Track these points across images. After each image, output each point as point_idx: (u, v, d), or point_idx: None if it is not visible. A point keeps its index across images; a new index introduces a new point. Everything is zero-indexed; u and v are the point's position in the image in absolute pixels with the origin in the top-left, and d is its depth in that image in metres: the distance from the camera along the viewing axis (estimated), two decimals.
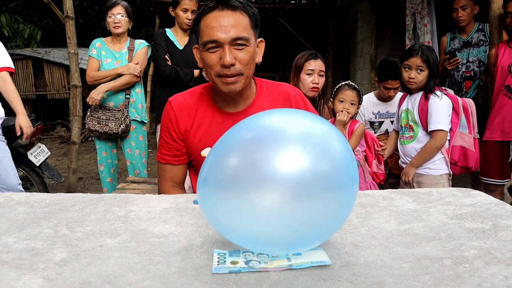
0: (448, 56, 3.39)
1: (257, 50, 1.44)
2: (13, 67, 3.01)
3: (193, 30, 1.42)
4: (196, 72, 3.26)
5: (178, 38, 3.35)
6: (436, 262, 0.73)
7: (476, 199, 1.10)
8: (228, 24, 1.30)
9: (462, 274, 0.68)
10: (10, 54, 3.09)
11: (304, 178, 0.66)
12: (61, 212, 1.02)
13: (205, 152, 1.51)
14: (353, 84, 2.70)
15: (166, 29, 3.39)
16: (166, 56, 3.24)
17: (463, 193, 1.15)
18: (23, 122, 3.01)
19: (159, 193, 1.57)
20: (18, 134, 3.04)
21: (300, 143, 0.68)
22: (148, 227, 0.92)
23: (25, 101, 10.56)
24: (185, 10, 3.24)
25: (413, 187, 2.59)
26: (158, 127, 3.32)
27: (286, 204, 0.66)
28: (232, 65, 1.31)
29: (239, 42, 1.31)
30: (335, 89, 2.72)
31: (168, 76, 3.20)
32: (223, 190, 0.69)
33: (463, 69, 3.59)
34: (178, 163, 1.55)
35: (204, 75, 2.40)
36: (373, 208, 1.03)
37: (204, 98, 1.51)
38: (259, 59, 1.45)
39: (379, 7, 6.26)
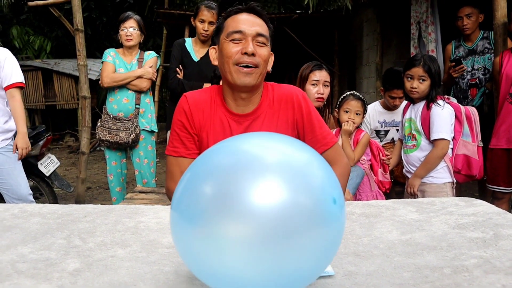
0: (453, 63, 3.41)
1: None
2: (24, 82, 3.06)
3: (216, 30, 1.53)
4: (206, 86, 3.27)
5: (196, 50, 3.37)
6: (436, 271, 0.75)
7: (479, 208, 1.12)
8: (254, 22, 1.44)
9: (461, 283, 0.70)
10: (21, 65, 3.15)
11: (282, 212, 0.58)
12: (73, 223, 1.06)
13: None
14: (358, 94, 2.72)
15: (187, 39, 3.42)
16: (177, 69, 3.27)
17: (465, 203, 1.17)
18: (19, 143, 2.98)
19: (167, 190, 1.58)
20: (14, 152, 3.00)
21: (279, 172, 0.61)
22: (157, 238, 0.95)
23: (34, 111, 10.71)
24: (203, 21, 3.26)
25: (418, 197, 2.60)
26: (168, 134, 3.37)
27: (258, 243, 0.57)
28: (253, 54, 1.41)
29: (261, 39, 1.44)
30: (340, 99, 2.75)
31: (174, 89, 3.24)
32: (193, 219, 0.61)
33: (469, 77, 3.60)
34: (190, 156, 1.53)
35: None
36: (376, 218, 1.05)
37: (216, 97, 1.56)
38: (269, 67, 1.54)
39: (384, 16, 6.30)
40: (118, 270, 0.78)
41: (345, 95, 2.74)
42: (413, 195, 2.63)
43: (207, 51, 3.36)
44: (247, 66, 1.42)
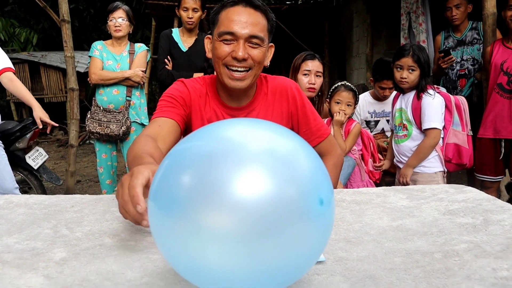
0: (442, 54, 3.42)
1: (267, 53, 1.47)
2: (13, 68, 3.04)
3: (211, 19, 1.44)
4: (196, 76, 3.23)
5: (183, 40, 3.33)
6: (427, 256, 0.75)
7: (468, 195, 1.12)
8: (248, 20, 1.34)
9: (452, 267, 0.70)
10: None
11: (266, 204, 0.53)
12: (60, 213, 1.04)
13: None
14: (349, 84, 2.72)
15: (174, 29, 3.37)
16: (165, 60, 3.23)
17: (455, 190, 1.17)
18: (42, 114, 3.06)
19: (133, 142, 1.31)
20: (40, 126, 3.07)
21: (263, 161, 0.56)
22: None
23: (22, 104, 10.57)
24: (186, 9, 3.21)
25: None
26: None
27: (241, 235, 0.53)
28: (244, 59, 1.35)
29: (254, 41, 1.36)
30: (331, 90, 2.74)
31: (163, 80, 3.20)
32: (171, 210, 0.56)
33: (458, 67, 3.61)
34: (174, 118, 1.39)
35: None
36: (367, 205, 1.05)
37: (210, 88, 1.52)
38: (267, 62, 1.49)
39: (374, 7, 6.30)
40: (105, 259, 0.76)
41: (336, 85, 2.73)
42: (405, 185, 2.64)
43: (195, 40, 3.32)
44: (238, 71, 1.37)
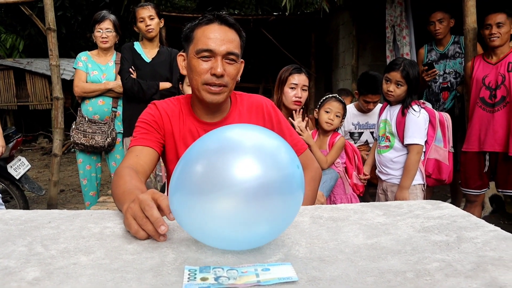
0: (426, 67, 3.48)
1: (240, 69, 1.52)
2: None
3: (185, 37, 1.48)
4: (162, 84, 3.22)
5: (146, 51, 3.33)
6: (399, 275, 0.76)
7: (444, 211, 1.14)
8: (225, 38, 1.40)
9: (423, 287, 0.71)
10: None
11: (257, 184, 0.76)
12: (36, 229, 1.03)
13: None
14: (339, 97, 2.76)
15: (135, 42, 3.38)
16: (130, 69, 3.21)
17: (432, 206, 1.19)
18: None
19: (115, 172, 1.37)
20: None
21: (254, 153, 0.79)
22: (122, 244, 0.93)
23: (6, 112, 10.44)
24: (143, 20, 3.22)
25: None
26: (125, 140, 3.31)
27: (242, 205, 0.76)
28: (222, 76, 1.39)
29: (231, 57, 1.41)
30: (321, 100, 2.78)
31: (129, 88, 3.17)
32: (191, 194, 0.78)
33: (440, 80, 3.68)
34: (149, 145, 1.46)
35: (181, 88, 2.40)
36: (344, 222, 1.06)
37: (184, 107, 1.56)
38: (238, 77, 1.53)
39: (359, 19, 6.39)
40: (79, 278, 0.76)
41: (327, 96, 2.77)
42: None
43: (158, 52, 3.33)
44: (216, 85, 1.41)
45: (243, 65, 1.56)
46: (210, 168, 0.78)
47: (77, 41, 11.38)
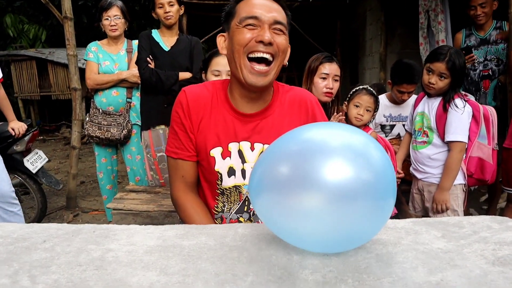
0: (464, 52, 3.21)
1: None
2: (1, 75, 2.95)
3: (226, 15, 1.33)
4: (182, 74, 3.02)
5: (164, 39, 3.12)
6: None
7: None
8: (271, 6, 1.26)
9: None
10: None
11: (347, 186, 0.72)
12: (27, 252, 0.87)
13: (214, 152, 1.38)
14: (371, 89, 2.51)
15: (153, 30, 3.17)
16: (147, 59, 3.02)
17: (499, 224, 0.98)
18: (14, 124, 3.16)
19: (172, 197, 1.44)
20: (15, 136, 3.21)
21: (343, 153, 0.74)
22: (125, 276, 0.76)
23: (30, 102, 10.50)
24: (161, 6, 3.00)
25: (447, 212, 2.37)
26: (143, 134, 3.12)
27: (330, 207, 0.72)
28: (270, 44, 1.23)
29: (279, 27, 1.26)
30: (351, 92, 2.54)
31: (147, 79, 2.97)
32: (276, 194, 0.76)
33: (481, 68, 3.40)
34: (190, 159, 1.41)
35: (204, 77, 2.20)
36: (396, 247, 0.86)
37: (219, 93, 1.40)
38: (286, 61, 1.37)
39: (388, 5, 6.07)
40: None
41: (357, 88, 2.53)
42: (443, 212, 2.39)
43: (177, 40, 3.12)
44: (261, 61, 1.24)
45: (289, 49, 1.38)
46: (296, 169, 0.75)
47: (99, 30, 11.32)
